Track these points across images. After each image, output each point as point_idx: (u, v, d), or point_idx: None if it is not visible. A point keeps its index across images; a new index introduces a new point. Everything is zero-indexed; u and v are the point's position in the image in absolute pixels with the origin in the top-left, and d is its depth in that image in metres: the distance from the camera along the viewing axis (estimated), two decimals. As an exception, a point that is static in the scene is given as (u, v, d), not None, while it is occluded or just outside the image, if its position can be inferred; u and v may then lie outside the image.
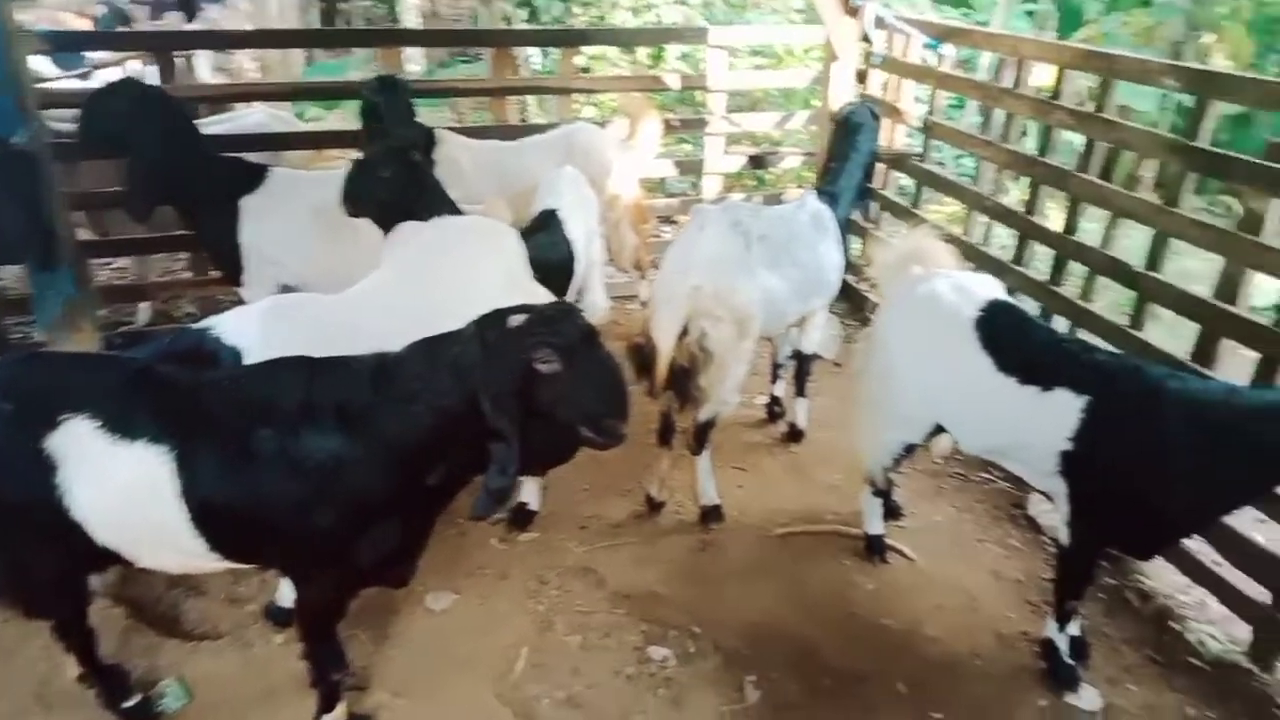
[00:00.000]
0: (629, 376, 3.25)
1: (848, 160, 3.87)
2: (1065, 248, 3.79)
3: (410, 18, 10.43)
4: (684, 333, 3.05)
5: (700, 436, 3.37)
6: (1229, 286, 3.03)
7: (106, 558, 2.22)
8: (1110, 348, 3.55)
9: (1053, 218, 4.05)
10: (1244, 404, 2.36)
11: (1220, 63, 6.92)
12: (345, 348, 2.20)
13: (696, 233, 3.21)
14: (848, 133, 3.92)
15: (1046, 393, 2.58)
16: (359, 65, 8.79)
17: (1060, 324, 3.87)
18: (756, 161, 5.70)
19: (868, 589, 3.25)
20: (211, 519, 2.10)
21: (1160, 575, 3.40)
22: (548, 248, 3.43)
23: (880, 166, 5.26)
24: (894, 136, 5.15)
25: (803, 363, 4.01)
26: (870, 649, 2.98)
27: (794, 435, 4.16)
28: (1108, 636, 3.10)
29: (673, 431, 3.47)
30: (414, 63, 9.29)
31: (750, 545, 3.47)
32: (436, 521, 2.37)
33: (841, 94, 5.12)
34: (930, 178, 4.88)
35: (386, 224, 3.13)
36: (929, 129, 4.80)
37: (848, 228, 3.88)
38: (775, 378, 4.29)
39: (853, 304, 5.41)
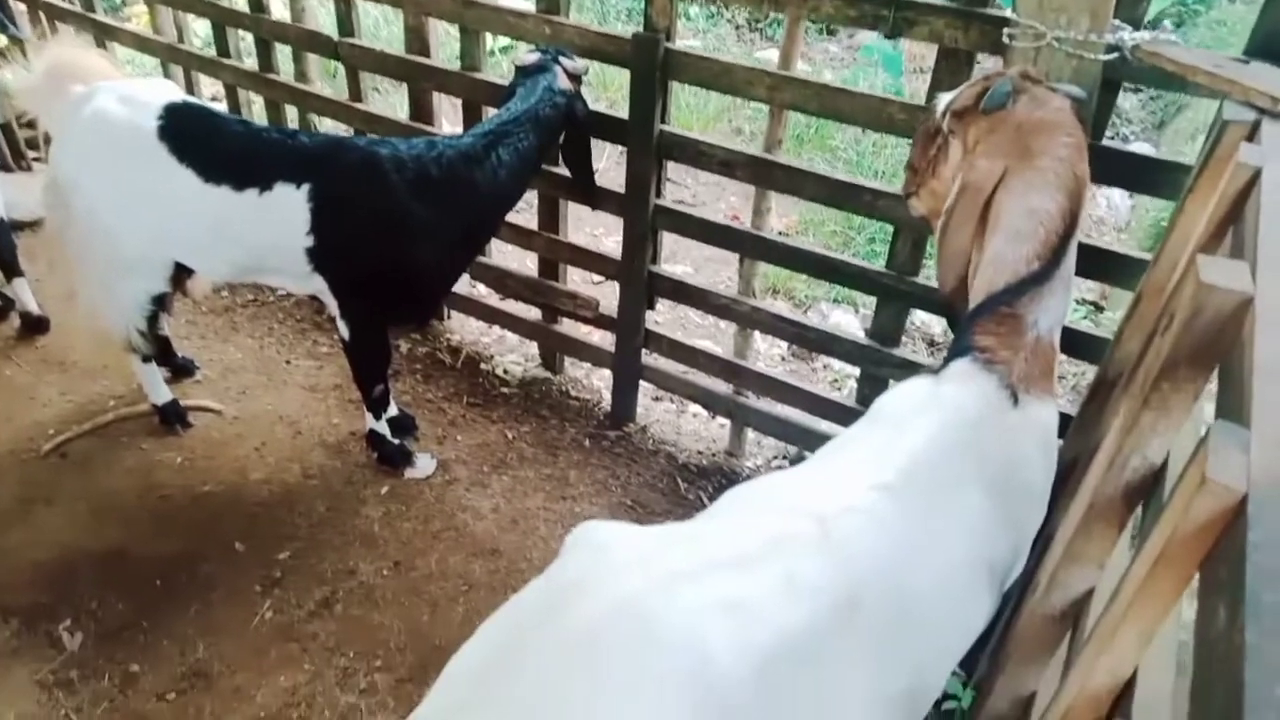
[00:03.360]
0: None
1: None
2: (260, 28, 3.44)
3: None
4: None
5: None
6: (418, 39, 3.05)
7: None
8: (345, 126, 3.46)
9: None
10: (449, 152, 2.43)
11: None
12: None
13: None
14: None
15: (268, 192, 2.33)
16: None
17: (293, 113, 3.62)
18: None
19: (177, 464, 2.85)
20: None
21: (463, 327, 3.65)
22: None
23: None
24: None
25: (-3, 236, 3.13)
26: (194, 524, 2.64)
27: (35, 325, 3.32)
28: (430, 401, 3.25)
29: None
30: None
31: (14, 479, 2.75)
32: None
33: None
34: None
35: None
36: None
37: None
38: (-28, 268, 3.30)
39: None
